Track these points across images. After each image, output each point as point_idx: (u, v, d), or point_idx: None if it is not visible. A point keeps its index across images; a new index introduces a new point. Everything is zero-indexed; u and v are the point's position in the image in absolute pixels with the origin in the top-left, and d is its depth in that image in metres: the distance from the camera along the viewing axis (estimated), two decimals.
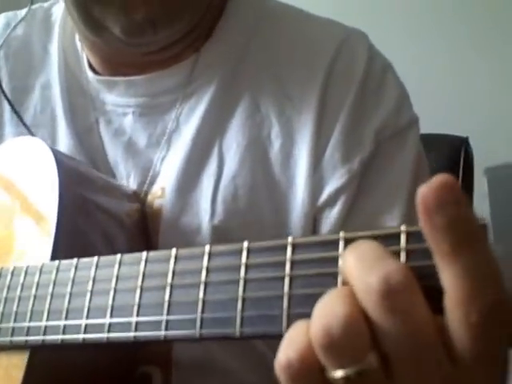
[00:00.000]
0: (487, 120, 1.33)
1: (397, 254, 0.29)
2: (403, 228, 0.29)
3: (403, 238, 0.29)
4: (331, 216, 0.55)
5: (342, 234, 0.31)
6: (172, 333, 0.35)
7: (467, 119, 1.32)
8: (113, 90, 0.61)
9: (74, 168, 0.55)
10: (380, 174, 0.56)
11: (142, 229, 0.57)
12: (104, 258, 0.41)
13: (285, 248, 0.32)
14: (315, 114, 0.56)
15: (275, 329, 0.31)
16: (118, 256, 0.40)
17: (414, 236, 0.28)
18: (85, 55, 0.63)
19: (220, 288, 0.34)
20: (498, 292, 0.26)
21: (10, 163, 0.56)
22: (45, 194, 0.51)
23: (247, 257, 0.33)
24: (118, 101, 0.60)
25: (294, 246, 0.32)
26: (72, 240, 0.49)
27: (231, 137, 0.57)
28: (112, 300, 0.39)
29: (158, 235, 0.56)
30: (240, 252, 0.34)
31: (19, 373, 0.44)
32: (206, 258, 0.35)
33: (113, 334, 0.38)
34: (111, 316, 0.38)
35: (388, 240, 0.29)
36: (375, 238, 0.29)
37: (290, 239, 0.32)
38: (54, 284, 0.43)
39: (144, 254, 0.38)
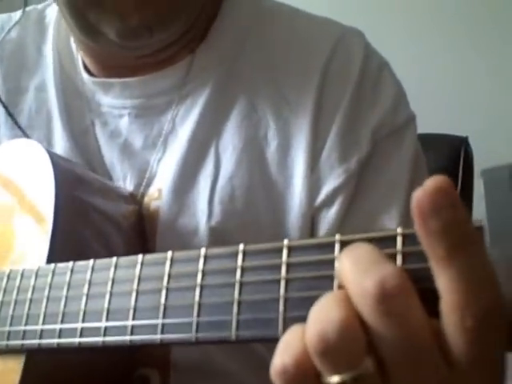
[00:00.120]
0: (487, 120, 1.33)
1: (393, 257, 0.28)
2: (399, 230, 0.29)
3: (399, 240, 0.29)
4: (329, 216, 0.55)
5: (337, 237, 0.30)
6: (168, 336, 0.35)
7: (467, 119, 1.32)
8: (108, 91, 0.60)
9: (70, 170, 0.54)
10: (377, 173, 0.56)
11: (139, 231, 0.57)
12: (100, 261, 0.41)
13: (281, 251, 0.32)
14: (312, 114, 0.56)
15: (271, 332, 0.31)
16: (114, 259, 0.40)
17: (411, 238, 0.28)
18: (80, 57, 0.63)
19: (216, 291, 0.34)
20: (494, 296, 0.26)
21: (6, 165, 0.56)
22: (41, 195, 0.51)
23: (243, 259, 0.33)
24: (113, 102, 0.60)
25: (290, 249, 0.32)
26: (69, 242, 0.49)
27: (227, 138, 0.57)
28: (108, 303, 0.39)
29: (155, 237, 0.56)
30: (236, 255, 0.33)
31: (16, 377, 0.44)
32: (201, 260, 0.35)
33: (109, 338, 0.38)
34: (107, 319, 0.38)
35: (384, 242, 0.29)
36: (371, 240, 0.29)
37: (285, 242, 0.32)
38: (50, 287, 0.43)
39: (140, 256, 0.38)
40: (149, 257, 0.38)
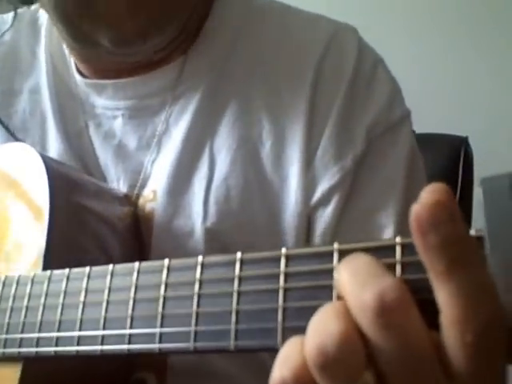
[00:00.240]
0: (487, 120, 1.33)
1: (392, 267, 0.28)
2: (398, 240, 0.29)
3: (398, 250, 0.28)
4: (325, 215, 0.55)
5: (336, 246, 0.30)
6: (166, 346, 0.35)
7: (467, 119, 1.31)
8: (101, 93, 0.60)
9: (64, 173, 0.54)
10: (373, 170, 0.55)
11: (135, 232, 0.56)
12: (96, 269, 0.40)
13: (278, 259, 0.32)
14: (306, 113, 0.55)
15: (270, 342, 0.31)
16: (110, 266, 0.39)
17: (410, 248, 0.28)
18: (72, 59, 0.62)
19: (214, 300, 0.33)
20: (494, 309, 0.26)
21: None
22: (36, 199, 0.50)
23: (240, 268, 0.33)
24: (107, 104, 0.60)
25: (288, 258, 0.32)
26: (64, 246, 0.49)
27: (222, 138, 0.56)
28: (105, 312, 0.38)
29: (150, 239, 0.56)
30: (233, 263, 0.33)
31: None
32: (198, 269, 0.35)
33: (107, 347, 0.38)
34: (104, 328, 0.38)
35: (383, 252, 0.29)
36: (370, 250, 0.29)
37: (283, 250, 0.32)
38: (46, 295, 0.42)
39: (136, 264, 0.38)
40: (145, 264, 0.38)
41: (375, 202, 0.55)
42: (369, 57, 0.59)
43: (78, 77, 0.61)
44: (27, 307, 0.43)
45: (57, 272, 0.43)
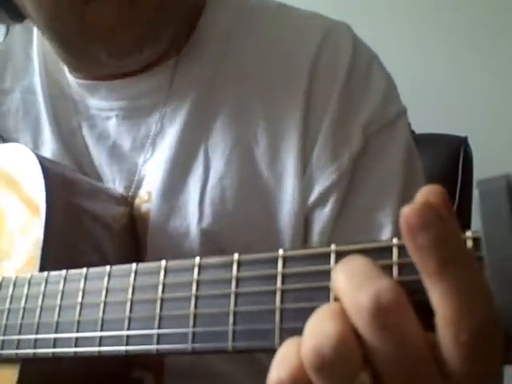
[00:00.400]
0: (487, 120, 1.33)
1: (389, 268, 0.28)
2: (395, 241, 0.29)
3: (395, 251, 0.29)
4: (323, 215, 0.55)
5: (333, 247, 0.30)
6: (164, 347, 0.35)
7: (466, 119, 1.32)
8: (94, 94, 0.60)
9: (60, 173, 0.54)
10: (370, 169, 0.55)
11: (131, 232, 0.56)
12: (93, 270, 0.40)
13: (276, 261, 0.32)
14: (301, 112, 0.55)
15: (268, 343, 0.31)
16: (108, 268, 0.39)
17: (406, 250, 0.28)
18: None
19: (211, 302, 0.34)
20: (488, 309, 0.26)
21: None
22: (32, 199, 0.50)
23: (238, 270, 0.33)
24: (100, 104, 0.60)
25: (285, 259, 0.32)
26: (61, 246, 0.49)
27: (216, 138, 0.56)
28: (102, 313, 0.38)
29: (146, 238, 0.56)
30: (230, 265, 0.33)
31: None
32: (196, 270, 0.35)
33: (104, 348, 0.38)
34: (102, 329, 0.38)
35: (380, 253, 0.29)
36: (367, 251, 0.29)
37: (280, 252, 0.32)
38: (44, 296, 0.42)
39: (133, 266, 0.38)
40: (142, 266, 0.38)
41: (373, 201, 0.54)
42: (363, 54, 0.58)
43: (70, 78, 0.61)
44: (24, 308, 0.43)
45: (54, 273, 0.43)
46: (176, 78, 0.58)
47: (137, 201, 0.57)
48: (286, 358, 0.28)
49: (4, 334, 0.44)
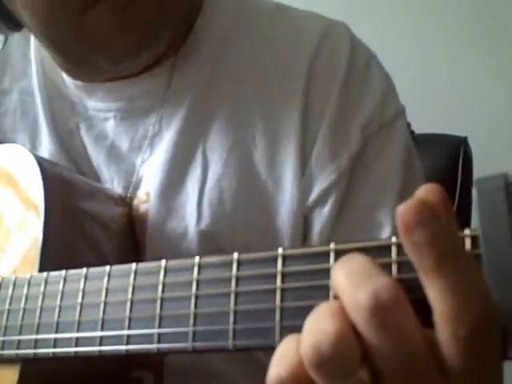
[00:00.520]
0: (487, 120, 1.33)
1: (388, 266, 0.28)
2: (394, 240, 0.29)
3: (394, 250, 0.29)
4: (322, 215, 0.55)
5: (332, 246, 0.30)
6: (165, 346, 0.35)
7: (466, 119, 1.32)
8: (92, 95, 0.60)
9: (58, 173, 0.54)
10: (369, 169, 0.55)
11: (130, 233, 0.56)
12: (93, 270, 0.41)
13: (275, 260, 0.32)
14: (300, 113, 0.55)
15: (268, 341, 0.31)
16: (107, 268, 0.40)
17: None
18: None
19: (211, 301, 0.34)
20: (485, 305, 0.26)
21: None
22: (31, 199, 0.50)
23: (237, 269, 0.33)
24: (98, 106, 0.60)
25: (285, 258, 0.32)
26: (60, 247, 0.49)
27: (214, 139, 0.56)
28: (103, 313, 0.38)
29: (144, 239, 0.56)
30: (230, 264, 0.33)
31: None
32: (195, 270, 0.35)
33: (105, 348, 0.38)
34: (102, 329, 0.38)
35: (379, 252, 0.29)
36: (366, 250, 0.29)
37: (280, 251, 0.32)
38: (44, 297, 0.42)
39: (133, 265, 0.38)
40: (142, 266, 0.38)
41: (372, 201, 0.55)
42: (362, 54, 0.58)
43: (67, 79, 0.61)
44: (24, 309, 0.43)
45: (53, 273, 0.43)
46: (173, 80, 0.58)
47: (135, 201, 0.57)
48: (285, 356, 0.28)
49: (4, 335, 0.44)
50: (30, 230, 0.49)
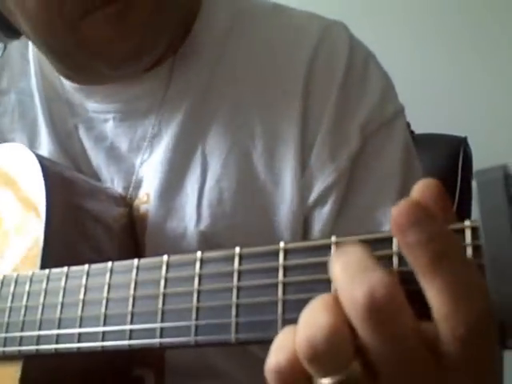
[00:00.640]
0: (486, 120, 1.33)
1: (389, 258, 0.29)
2: None
3: (395, 241, 0.29)
4: (322, 215, 0.55)
5: (333, 239, 0.31)
6: (167, 340, 0.35)
7: (466, 119, 1.32)
8: (90, 97, 0.60)
9: (59, 172, 0.54)
10: (369, 168, 0.55)
11: (131, 233, 0.57)
12: (95, 266, 0.41)
13: (277, 253, 0.32)
14: (299, 113, 0.55)
15: (271, 334, 0.31)
16: (109, 264, 0.40)
17: None
18: None
19: (214, 295, 0.34)
20: (483, 304, 0.26)
21: None
22: (30, 199, 0.50)
23: (239, 263, 0.33)
24: (97, 107, 0.60)
25: (286, 252, 0.32)
26: (61, 244, 0.49)
27: (213, 140, 0.56)
28: (105, 309, 0.39)
29: (144, 239, 0.56)
30: (232, 258, 0.34)
31: (13, 382, 0.44)
32: (198, 264, 0.35)
33: (107, 343, 0.38)
34: (105, 324, 0.38)
35: (380, 244, 0.29)
36: (367, 242, 0.29)
37: (282, 244, 0.32)
38: (46, 293, 0.43)
39: (135, 261, 0.38)
40: (144, 261, 0.38)
41: (372, 200, 0.55)
42: (360, 54, 0.58)
43: (65, 81, 0.61)
44: (26, 306, 0.44)
45: (55, 270, 0.43)
46: (172, 81, 0.58)
47: (136, 202, 0.58)
48: (283, 345, 0.28)
49: (6, 332, 0.44)
50: (31, 229, 0.49)
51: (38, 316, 0.42)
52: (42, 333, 0.42)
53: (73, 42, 0.51)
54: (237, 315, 0.32)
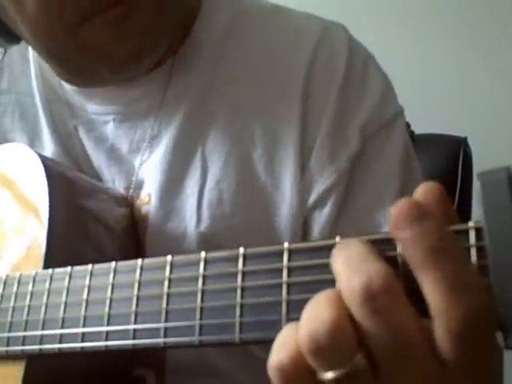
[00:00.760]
0: (486, 120, 1.33)
1: (394, 259, 0.29)
2: None
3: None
4: (322, 216, 0.55)
5: (338, 239, 0.31)
6: (171, 340, 0.35)
7: (466, 119, 1.32)
8: (91, 99, 0.60)
9: (62, 172, 0.55)
10: (369, 170, 0.56)
11: (132, 234, 0.57)
12: (98, 266, 0.41)
13: (281, 254, 0.32)
14: (298, 114, 0.55)
15: (275, 334, 0.31)
16: (113, 264, 0.40)
17: None
18: None
19: (218, 295, 0.34)
20: (478, 299, 0.26)
21: None
22: (35, 199, 0.51)
23: (243, 263, 0.33)
24: (97, 109, 0.60)
25: (291, 252, 0.32)
26: (63, 247, 0.49)
27: (213, 141, 0.56)
28: (109, 309, 0.39)
29: (145, 241, 0.56)
30: (236, 259, 0.34)
31: (16, 382, 0.44)
32: (202, 265, 0.35)
33: (111, 342, 0.38)
34: (108, 324, 0.38)
35: (385, 245, 0.29)
36: (372, 242, 0.29)
37: (286, 245, 0.32)
38: (49, 293, 0.43)
39: (139, 261, 0.38)
40: (148, 261, 0.38)
41: (372, 202, 0.55)
42: (359, 55, 0.58)
43: (64, 83, 0.61)
44: (30, 305, 0.44)
45: (59, 270, 0.43)
46: (171, 82, 0.58)
47: (137, 202, 0.58)
48: (286, 342, 0.29)
49: (9, 331, 0.44)
50: (31, 229, 0.49)
51: (42, 316, 0.42)
52: (46, 332, 0.42)
53: (73, 47, 0.51)
54: (241, 315, 0.33)
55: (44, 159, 0.52)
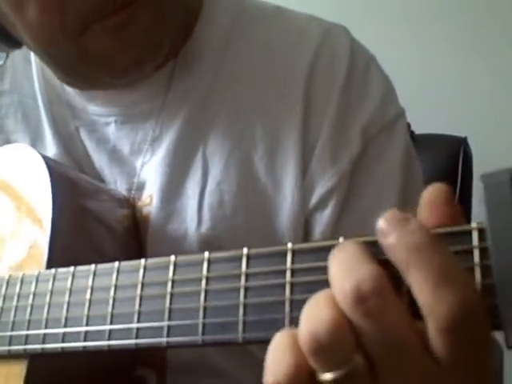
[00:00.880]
0: (486, 120, 1.33)
1: (389, 261, 0.29)
2: None
3: None
4: (323, 218, 0.55)
5: (341, 240, 0.31)
6: (174, 339, 0.35)
7: (466, 119, 1.32)
8: (92, 101, 0.60)
9: (64, 173, 0.55)
10: (370, 171, 0.56)
11: (134, 235, 0.57)
12: (101, 266, 0.41)
13: (284, 254, 0.32)
14: (300, 116, 0.55)
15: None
16: (116, 264, 0.40)
17: None
18: None
19: (221, 295, 0.34)
20: (465, 293, 0.27)
21: (1, 170, 0.56)
22: (38, 199, 0.51)
23: (247, 264, 0.33)
24: (99, 111, 0.60)
25: (294, 252, 0.32)
26: (66, 247, 0.49)
27: (214, 143, 0.56)
28: (112, 308, 0.39)
29: (146, 242, 0.56)
30: (240, 259, 0.34)
31: (19, 381, 0.44)
32: (205, 265, 0.35)
33: (114, 342, 0.38)
34: (111, 323, 0.38)
35: (381, 247, 0.29)
36: (373, 244, 0.30)
37: (289, 245, 0.32)
38: (52, 293, 0.43)
39: (142, 261, 0.38)
40: (151, 261, 0.38)
41: (373, 203, 0.55)
42: (361, 57, 0.58)
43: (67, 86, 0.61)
44: (32, 305, 0.44)
45: (62, 270, 0.43)
46: (172, 84, 0.58)
47: (139, 203, 0.58)
48: (278, 359, 0.29)
49: (12, 330, 0.44)
50: (31, 230, 0.50)
51: (44, 315, 0.42)
52: (48, 331, 0.42)
53: (74, 53, 0.51)
54: (244, 314, 0.33)
55: (47, 160, 0.52)
